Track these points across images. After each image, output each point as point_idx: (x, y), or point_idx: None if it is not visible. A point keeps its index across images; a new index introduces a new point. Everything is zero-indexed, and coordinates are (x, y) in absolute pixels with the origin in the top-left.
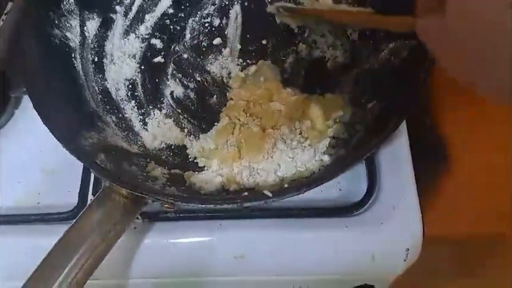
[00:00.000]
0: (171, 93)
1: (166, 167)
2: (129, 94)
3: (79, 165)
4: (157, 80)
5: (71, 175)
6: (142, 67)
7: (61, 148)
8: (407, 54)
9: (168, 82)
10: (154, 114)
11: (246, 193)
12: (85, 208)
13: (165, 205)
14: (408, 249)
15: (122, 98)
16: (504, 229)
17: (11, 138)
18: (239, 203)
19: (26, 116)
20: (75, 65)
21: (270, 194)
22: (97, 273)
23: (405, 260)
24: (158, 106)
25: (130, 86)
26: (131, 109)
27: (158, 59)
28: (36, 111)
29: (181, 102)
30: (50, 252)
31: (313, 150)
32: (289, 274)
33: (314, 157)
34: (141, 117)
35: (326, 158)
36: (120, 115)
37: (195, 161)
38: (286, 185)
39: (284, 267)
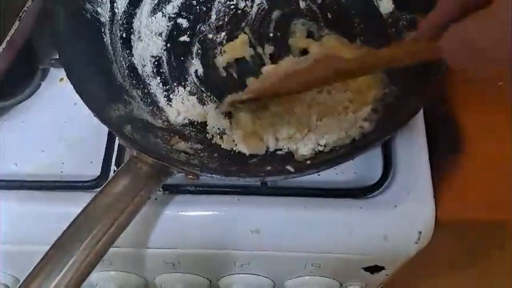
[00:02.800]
0: (196, 71)
1: (189, 142)
2: (154, 70)
3: (102, 137)
4: (182, 58)
5: (94, 146)
6: (168, 45)
7: (84, 121)
8: None
9: (192, 61)
10: (178, 91)
11: (269, 168)
12: (111, 176)
13: (189, 177)
14: (421, 232)
15: (148, 74)
16: None
17: (37, 108)
18: (262, 177)
19: (52, 87)
20: (104, 40)
21: (292, 170)
22: (117, 241)
23: (416, 243)
24: (183, 83)
25: (156, 63)
26: (156, 85)
27: (184, 38)
28: (69, 79)
29: (205, 80)
30: (77, 216)
31: (354, 116)
32: (302, 251)
33: (356, 124)
34: (166, 93)
35: (366, 125)
36: (146, 90)
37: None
38: (308, 162)
39: (297, 244)
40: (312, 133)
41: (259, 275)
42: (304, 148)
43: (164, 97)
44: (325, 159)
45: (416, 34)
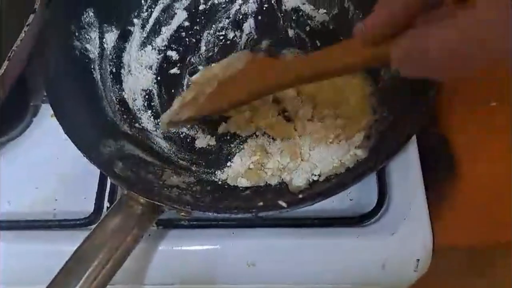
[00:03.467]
0: None
1: (182, 176)
2: (145, 104)
3: (95, 173)
4: (172, 90)
5: (87, 182)
6: (159, 78)
7: (77, 156)
8: None
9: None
10: None
11: (261, 203)
12: (103, 216)
13: (181, 213)
14: (419, 260)
15: (138, 108)
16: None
17: (29, 145)
18: (254, 213)
19: (44, 124)
20: (94, 76)
21: (285, 205)
22: (113, 279)
23: (415, 271)
24: None
25: (147, 96)
26: (148, 119)
27: (174, 70)
28: (57, 119)
29: None
30: (69, 259)
31: (347, 144)
32: (300, 282)
33: (349, 151)
34: (157, 126)
35: (360, 152)
36: (137, 125)
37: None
38: (300, 196)
39: (295, 276)
40: (305, 162)
41: None
42: (298, 179)
43: (156, 130)
44: (318, 191)
45: (351, 40)
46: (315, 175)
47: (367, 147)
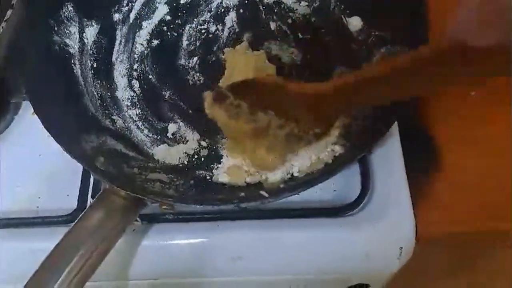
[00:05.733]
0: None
1: (163, 171)
2: (128, 98)
3: (78, 170)
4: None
5: (70, 179)
6: (142, 71)
7: (60, 153)
8: None
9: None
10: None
11: (242, 194)
12: (84, 210)
13: (164, 207)
14: (402, 248)
15: (121, 103)
16: (494, 228)
17: (10, 143)
18: (236, 204)
19: (25, 121)
20: (75, 71)
21: (266, 195)
22: (96, 275)
23: (398, 259)
24: (157, 111)
25: (130, 90)
26: (130, 114)
27: None
28: (37, 115)
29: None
30: (49, 254)
31: (324, 141)
32: (285, 274)
33: (326, 148)
34: (140, 121)
35: (337, 148)
36: (119, 120)
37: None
38: (282, 186)
39: (280, 267)
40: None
41: None
42: (274, 177)
43: (138, 126)
44: (299, 182)
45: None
46: (295, 173)
47: (344, 142)
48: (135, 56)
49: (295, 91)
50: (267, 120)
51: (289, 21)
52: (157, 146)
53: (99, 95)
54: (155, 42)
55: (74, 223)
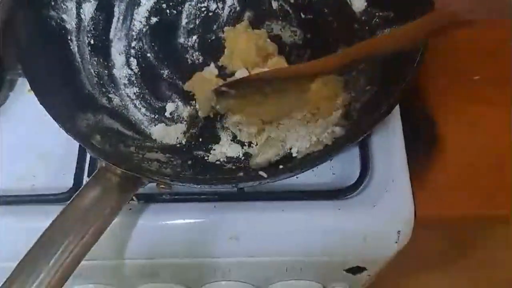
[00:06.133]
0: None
1: (161, 151)
2: (126, 76)
3: (74, 148)
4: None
5: (66, 158)
6: (140, 51)
7: (56, 131)
8: None
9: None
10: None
11: (241, 174)
12: (80, 188)
13: (161, 186)
14: (400, 231)
15: (118, 81)
16: (493, 210)
17: (6, 120)
18: (234, 184)
19: (21, 98)
20: (71, 47)
21: (265, 175)
22: (92, 254)
23: (396, 242)
24: (155, 90)
25: (128, 68)
26: (127, 92)
27: None
28: (33, 91)
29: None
30: (44, 232)
31: (324, 122)
32: (282, 255)
33: (327, 129)
34: (137, 100)
35: (338, 130)
36: (116, 98)
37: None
38: (281, 166)
39: (277, 249)
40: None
41: (240, 282)
42: (269, 154)
43: (135, 104)
44: (298, 162)
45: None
46: (293, 153)
47: (344, 124)
48: (133, 33)
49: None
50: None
51: (291, 0)
52: (155, 126)
53: (96, 72)
54: (154, 19)
55: (69, 201)
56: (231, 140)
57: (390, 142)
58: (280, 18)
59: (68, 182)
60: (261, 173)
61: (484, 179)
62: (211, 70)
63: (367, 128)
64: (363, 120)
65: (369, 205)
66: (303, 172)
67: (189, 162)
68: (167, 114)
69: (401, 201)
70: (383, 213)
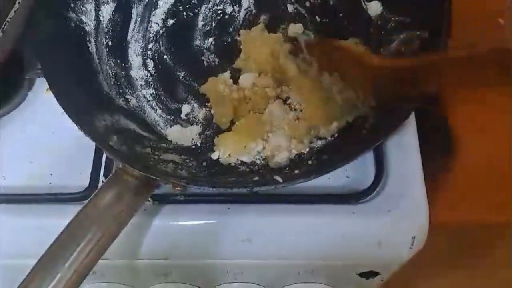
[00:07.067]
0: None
1: (176, 152)
2: (143, 78)
3: (90, 147)
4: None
5: (83, 157)
6: (156, 52)
7: (73, 130)
8: (418, 46)
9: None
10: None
11: (256, 178)
12: (97, 189)
13: (176, 188)
14: (414, 237)
15: (135, 83)
16: (507, 218)
17: (24, 119)
18: (249, 188)
19: (39, 97)
20: (90, 49)
21: (280, 180)
22: (107, 253)
23: (411, 248)
24: (171, 92)
25: (144, 70)
26: (144, 94)
27: None
28: (52, 91)
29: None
30: (62, 231)
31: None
32: (295, 258)
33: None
34: (153, 102)
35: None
36: (133, 99)
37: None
38: (296, 171)
39: (290, 252)
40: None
41: (253, 284)
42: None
43: (151, 106)
44: (314, 168)
45: None
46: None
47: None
48: (150, 35)
49: (374, 63)
50: (330, 81)
51: (307, 4)
52: (170, 127)
53: (113, 73)
54: (171, 21)
55: (86, 202)
56: None
57: (405, 146)
58: (296, 22)
59: (84, 181)
60: (276, 177)
61: (502, 187)
62: (225, 77)
63: (385, 133)
64: (381, 125)
65: (384, 210)
66: (319, 177)
67: (204, 163)
68: (182, 115)
69: (416, 206)
70: (398, 218)
